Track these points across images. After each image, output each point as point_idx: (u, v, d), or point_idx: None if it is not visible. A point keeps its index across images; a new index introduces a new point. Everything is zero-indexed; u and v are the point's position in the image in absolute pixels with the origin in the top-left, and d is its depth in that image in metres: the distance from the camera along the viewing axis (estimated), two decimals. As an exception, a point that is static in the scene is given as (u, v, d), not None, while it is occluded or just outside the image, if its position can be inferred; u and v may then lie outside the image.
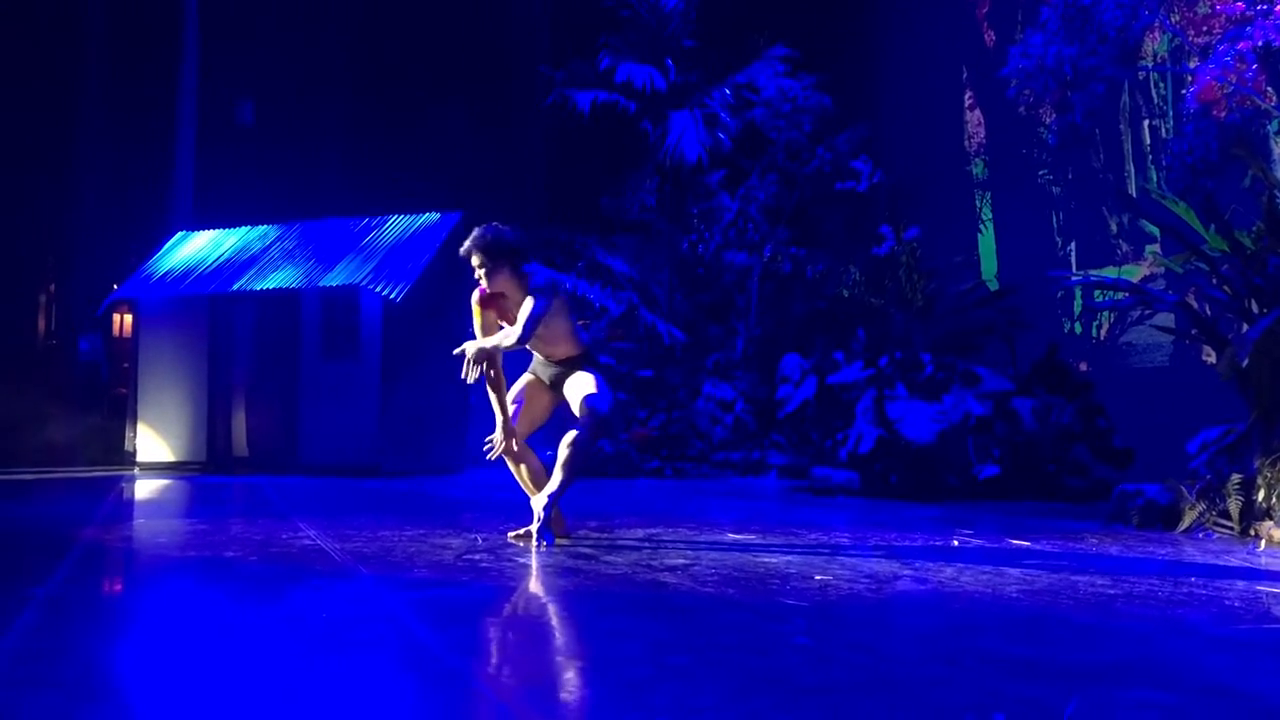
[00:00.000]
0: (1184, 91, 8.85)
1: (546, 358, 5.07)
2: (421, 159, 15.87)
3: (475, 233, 4.85)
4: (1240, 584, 4.03)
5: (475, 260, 4.82)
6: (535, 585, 3.78)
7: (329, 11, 16.63)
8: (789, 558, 4.44)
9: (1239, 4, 7.74)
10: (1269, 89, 8.58)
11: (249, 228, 13.10)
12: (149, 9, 14.79)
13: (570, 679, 2.42)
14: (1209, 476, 6.40)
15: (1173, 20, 8.95)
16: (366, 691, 2.25)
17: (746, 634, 2.91)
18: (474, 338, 4.91)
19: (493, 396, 4.90)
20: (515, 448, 4.94)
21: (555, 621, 3.20)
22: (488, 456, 4.95)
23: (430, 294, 11.21)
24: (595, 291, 12.66)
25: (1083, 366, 14.51)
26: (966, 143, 17.53)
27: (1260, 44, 7.59)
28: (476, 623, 3.10)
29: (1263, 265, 6.79)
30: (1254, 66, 7.88)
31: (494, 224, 4.91)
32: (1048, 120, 12.42)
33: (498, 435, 4.88)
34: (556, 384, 5.04)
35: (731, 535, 5.37)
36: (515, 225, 5.00)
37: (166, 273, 12.43)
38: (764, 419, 11.91)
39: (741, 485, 10.28)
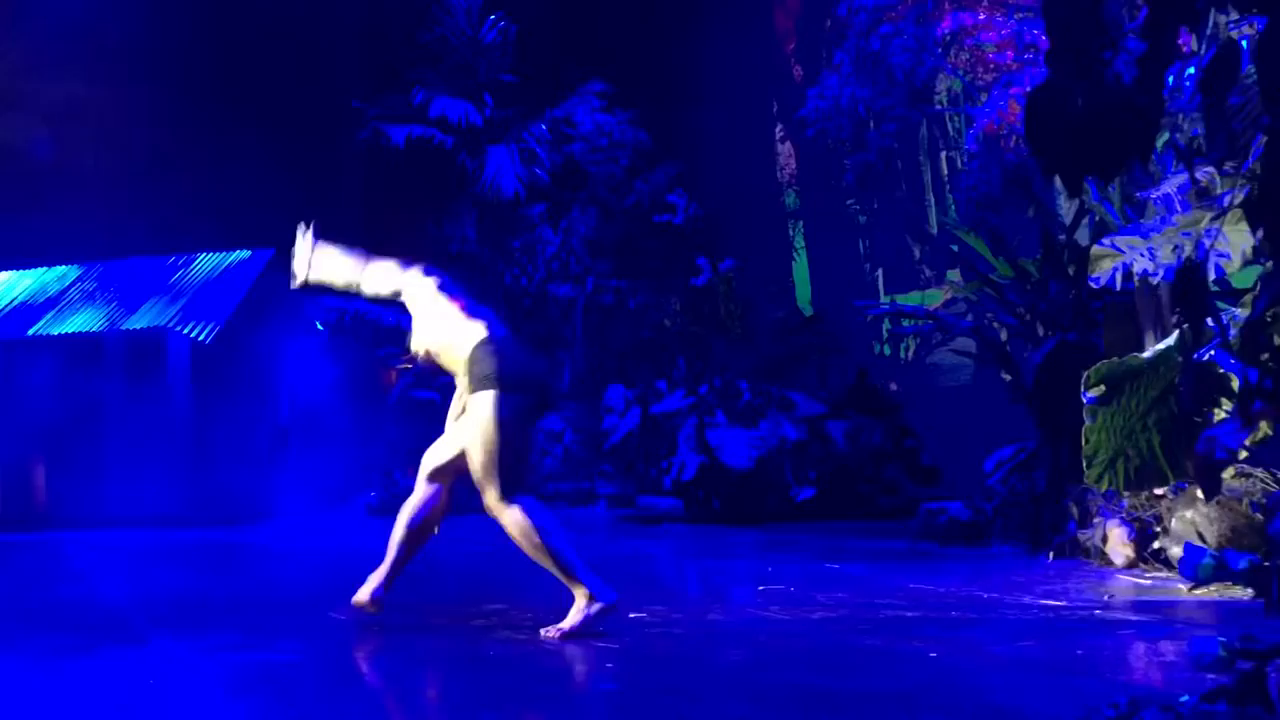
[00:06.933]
0: (969, 131, 9.43)
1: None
2: (232, 194, 15.32)
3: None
4: (1026, 599, 4.30)
5: None
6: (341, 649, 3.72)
7: (130, 42, 15.94)
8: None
9: (1008, 52, 8.36)
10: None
11: (46, 269, 12.42)
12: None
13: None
14: (1004, 493, 6.81)
15: (954, 63, 9.58)
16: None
17: (553, 684, 2.94)
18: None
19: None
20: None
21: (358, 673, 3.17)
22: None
23: (243, 334, 10.85)
24: (418, 327, 12.50)
25: (893, 387, 15.17)
26: (779, 174, 18.17)
27: (1030, 89, 8.14)
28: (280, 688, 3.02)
29: (1045, 291, 7.32)
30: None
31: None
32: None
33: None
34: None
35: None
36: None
37: (-49, 318, 11.64)
38: (592, 449, 11.98)
39: (570, 516, 10.29)
